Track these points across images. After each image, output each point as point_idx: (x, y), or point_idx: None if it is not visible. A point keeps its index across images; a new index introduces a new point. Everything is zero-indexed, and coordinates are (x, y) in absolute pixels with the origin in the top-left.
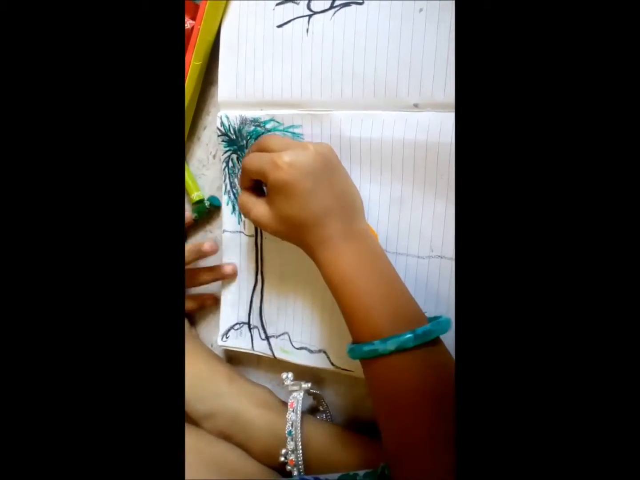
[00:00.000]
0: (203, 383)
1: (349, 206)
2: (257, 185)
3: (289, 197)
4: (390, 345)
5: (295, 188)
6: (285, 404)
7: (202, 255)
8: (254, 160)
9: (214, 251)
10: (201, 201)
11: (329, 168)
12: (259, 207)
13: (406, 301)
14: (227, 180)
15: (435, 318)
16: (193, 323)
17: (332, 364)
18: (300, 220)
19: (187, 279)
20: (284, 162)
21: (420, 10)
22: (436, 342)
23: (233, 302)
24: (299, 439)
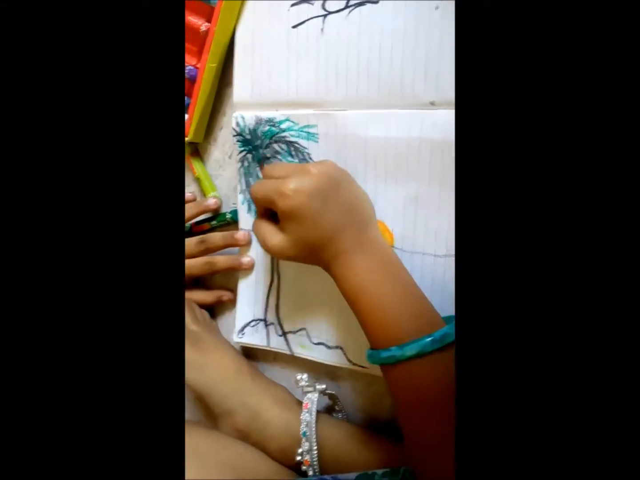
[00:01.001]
0: (229, 379)
1: (359, 217)
2: (271, 211)
3: (299, 221)
4: (409, 351)
5: (304, 212)
6: (301, 403)
7: (234, 243)
8: (261, 188)
9: (246, 240)
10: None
11: (334, 185)
12: (273, 237)
13: (422, 305)
14: (243, 180)
15: (450, 318)
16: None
17: (349, 360)
18: (313, 240)
19: (205, 266)
20: (289, 189)
21: (437, 7)
22: (454, 343)
23: (249, 300)
24: (314, 440)
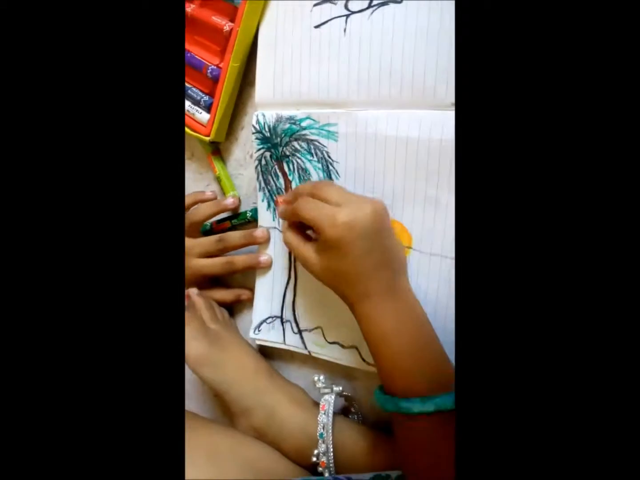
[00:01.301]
0: (247, 377)
1: (394, 263)
2: (302, 223)
3: (341, 254)
4: (430, 406)
5: (349, 248)
6: (317, 404)
7: (253, 241)
8: (310, 209)
9: (265, 238)
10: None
11: (381, 227)
12: (307, 252)
13: (442, 360)
14: (261, 178)
15: None
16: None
17: (363, 359)
18: (347, 275)
19: (225, 265)
20: (342, 221)
21: None
22: None
23: (266, 296)
24: (330, 442)
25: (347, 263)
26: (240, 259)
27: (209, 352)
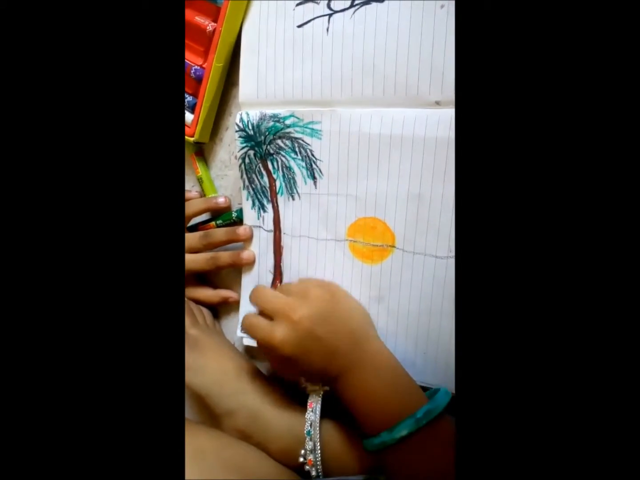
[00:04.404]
0: (228, 380)
1: (355, 334)
2: None
3: (295, 364)
4: (397, 433)
5: (296, 359)
6: (303, 404)
7: (235, 238)
8: (254, 331)
9: (247, 235)
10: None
11: (324, 317)
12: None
13: (408, 388)
14: (245, 176)
15: (435, 391)
16: (216, 318)
17: None
18: (310, 370)
19: (210, 261)
20: (277, 342)
21: (442, 6)
22: (441, 416)
23: None
24: (318, 439)
25: (304, 366)
26: (224, 255)
27: (188, 358)
